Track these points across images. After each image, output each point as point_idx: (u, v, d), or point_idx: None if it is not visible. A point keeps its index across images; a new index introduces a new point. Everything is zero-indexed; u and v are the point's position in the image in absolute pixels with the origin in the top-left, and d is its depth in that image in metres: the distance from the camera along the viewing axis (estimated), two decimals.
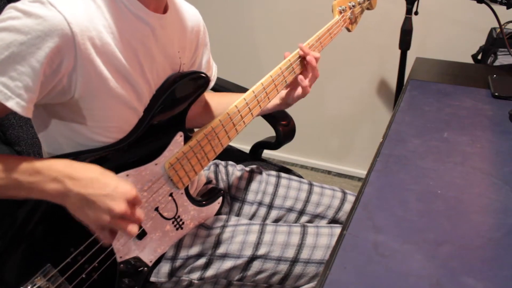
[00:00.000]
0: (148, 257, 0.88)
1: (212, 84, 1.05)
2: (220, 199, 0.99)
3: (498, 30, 1.57)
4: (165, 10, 0.85)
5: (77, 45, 0.68)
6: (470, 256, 0.65)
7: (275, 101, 1.07)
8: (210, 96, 1.12)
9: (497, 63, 1.49)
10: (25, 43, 0.64)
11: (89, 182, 0.69)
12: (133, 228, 0.71)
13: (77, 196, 0.68)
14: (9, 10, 0.66)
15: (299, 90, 1.04)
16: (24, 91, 0.66)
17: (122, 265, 0.84)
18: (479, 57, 1.67)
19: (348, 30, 1.21)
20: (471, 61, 1.70)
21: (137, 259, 0.86)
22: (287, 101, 1.06)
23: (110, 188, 0.69)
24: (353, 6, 1.19)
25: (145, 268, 0.87)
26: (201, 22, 0.99)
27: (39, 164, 0.69)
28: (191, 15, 0.96)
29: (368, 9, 1.28)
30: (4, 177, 0.67)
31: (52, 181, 0.68)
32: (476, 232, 0.70)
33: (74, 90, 0.71)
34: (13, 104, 0.66)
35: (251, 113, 0.97)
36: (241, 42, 2.29)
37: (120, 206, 0.69)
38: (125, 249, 0.84)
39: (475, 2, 1.38)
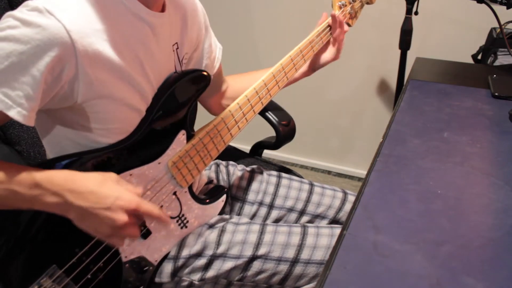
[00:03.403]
0: (153, 257, 0.88)
1: (217, 65, 1.07)
2: (224, 196, 0.99)
3: (498, 30, 1.57)
4: (164, 8, 0.84)
5: (77, 52, 0.68)
6: (470, 256, 0.66)
7: (303, 68, 1.14)
8: (234, 78, 1.14)
9: (497, 63, 1.49)
10: (24, 52, 0.64)
11: (90, 195, 0.69)
12: (135, 232, 0.73)
13: (78, 209, 0.69)
14: (7, 19, 0.66)
15: (327, 55, 1.12)
16: (25, 100, 0.66)
17: (127, 264, 0.84)
18: (479, 57, 1.67)
19: (349, 25, 1.21)
20: (471, 61, 1.70)
21: (142, 258, 0.86)
22: (314, 66, 1.14)
23: (110, 200, 0.69)
24: (353, 0, 1.19)
25: (151, 268, 0.88)
26: (198, 6, 0.98)
27: (39, 177, 0.68)
28: (187, 1, 0.94)
29: (368, 3, 1.27)
30: (4, 189, 0.67)
31: (52, 195, 0.68)
32: (476, 232, 0.71)
33: (76, 96, 0.72)
34: (14, 113, 0.66)
35: (253, 110, 0.97)
36: (241, 42, 2.29)
37: (121, 218, 0.69)
38: (130, 248, 0.84)
39: (475, 2, 1.38)
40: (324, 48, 1.13)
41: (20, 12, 0.66)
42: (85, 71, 0.70)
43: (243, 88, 1.00)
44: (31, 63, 0.65)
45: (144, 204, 0.73)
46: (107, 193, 0.70)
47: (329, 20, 1.11)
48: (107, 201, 0.69)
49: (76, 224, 0.71)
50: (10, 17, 0.66)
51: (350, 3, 1.18)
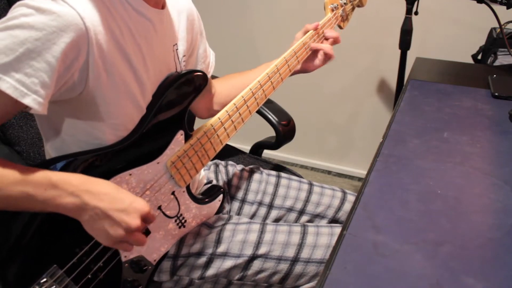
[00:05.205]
0: (152, 256, 0.88)
1: (211, 70, 1.07)
2: (221, 196, 1.00)
3: (498, 30, 1.57)
4: (163, 5, 0.85)
5: (89, 40, 0.68)
6: (470, 256, 0.66)
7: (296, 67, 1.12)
8: (220, 82, 1.13)
9: (497, 63, 1.49)
10: (40, 39, 0.64)
11: (106, 197, 0.69)
12: (143, 239, 0.74)
13: (94, 210, 0.69)
14: (20, 8, 0.66)
15: (318, 59, 1.08)
16: (40, 87, 0.65)
17: (126, 264, 0.84)
18: (479, 57, 1.67)
19: (340, 27, 1.22)
20: (471, 61, 1.70)
21: (141, 258, 0.86)
22: (307, 70, 1.11)
23: (126, 203, 0.70)
24: (344, 3, 1.20)
25: (149, 267, 0.88)
26: (194, 11, 0.99)
27: (55, 178, 0.68)
28: (184, 5, 0.95)
29: (358, 6, 1.28)
30: (18, 190, 0.66)
31: (69, 195, 0.68)
32: (476, 232, 0.71)
33: (84, 85, 0.72)
34: (29, 101, 0.65)
35: (249, 111, 0.98)
36: (240, 42, 2.29)
37: (135, 222, 0.70)
38: None
39: (475, 2, 1.38)
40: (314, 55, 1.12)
41: (32, 0, 0.66)
42: (95, 60, 0.70)
43: (230, 93, 1.03)
44: (46, 50, 0.64)
45: (153, 213, 0.74)
46: (122, 196, 0.71)
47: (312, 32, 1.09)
48: (123, 203, 0.70)
49: (86, 228, 0.71)
50: (23, 6, 0.65)
51: (342, 6, 1.19)
